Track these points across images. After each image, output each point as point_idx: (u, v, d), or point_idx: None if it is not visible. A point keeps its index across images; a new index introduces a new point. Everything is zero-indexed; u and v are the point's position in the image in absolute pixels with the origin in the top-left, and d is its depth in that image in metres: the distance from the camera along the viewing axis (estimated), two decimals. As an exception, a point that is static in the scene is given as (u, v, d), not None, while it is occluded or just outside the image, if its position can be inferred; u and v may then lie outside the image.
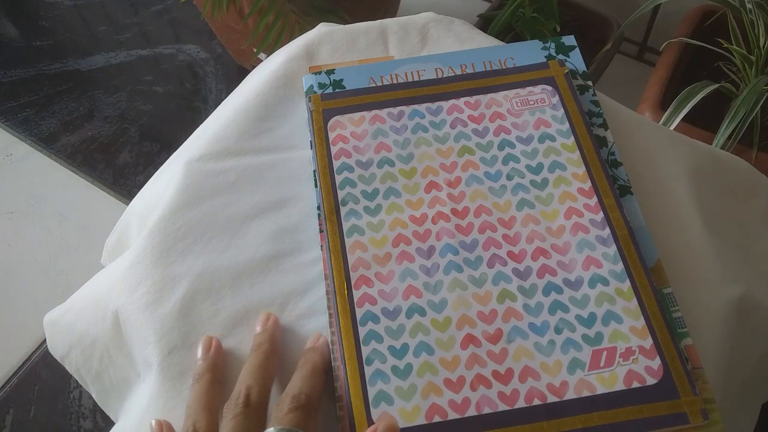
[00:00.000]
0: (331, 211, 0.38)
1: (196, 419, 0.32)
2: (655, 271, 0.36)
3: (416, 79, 0.44)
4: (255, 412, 0.32)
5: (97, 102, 1.20)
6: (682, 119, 0.71)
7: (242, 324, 0.37)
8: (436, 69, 0.44)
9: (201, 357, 0.35)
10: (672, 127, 0.70)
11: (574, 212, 0.38)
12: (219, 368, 0.35)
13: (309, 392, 0.32)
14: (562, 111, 0.41)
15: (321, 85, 0.43)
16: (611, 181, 0.39)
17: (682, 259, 0.38)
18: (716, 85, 0.71)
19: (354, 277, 0.36)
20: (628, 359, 0.33)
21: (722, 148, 0.69)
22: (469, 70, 0.44)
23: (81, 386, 0.43)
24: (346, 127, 0.41)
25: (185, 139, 0.47)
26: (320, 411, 0.33)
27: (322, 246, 0.38)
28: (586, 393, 0.33)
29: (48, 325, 0.44)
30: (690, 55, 0.86)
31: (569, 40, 0.45)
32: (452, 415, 0.32)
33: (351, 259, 0.37)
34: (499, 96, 0.42)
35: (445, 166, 0.40)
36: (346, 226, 0.38)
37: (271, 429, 0.30)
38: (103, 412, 0.44)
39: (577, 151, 0.40)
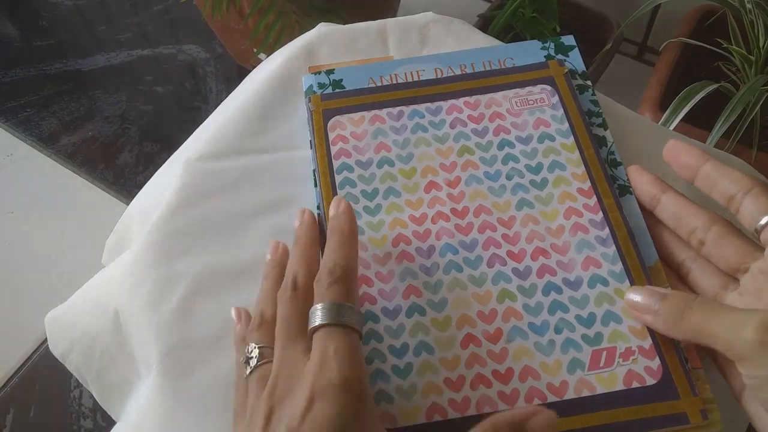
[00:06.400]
0: (331, 211, 0.38)
1: (264, 307, 0.35)
2: (654, 271, 0.36)
3: (416, 79, 0.44)
4: (303, 294, 0.33)
5: (98, 102, 1.20)
6: (681, 119, 0.71)
7: (242, 324, 0.37)
8: (435, 69, 0.44)
9: (270, 258, 0.38)
10: (672, 127, 0.70)
11: (573, 212, 0.38)
12: (285, 266, 0.37)
13: (343, 263, 0.33)
14: (561, 111, 0.41)
15: (321, 85, 0.44)
16: (611, 181, 0.39)
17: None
18: (716, 85, 0.71)
19: (354, 276, 0.36)
20: (628, 359, 0.33)
21: (720, 147, 0.69)
22: (469, 70, 0.44)
23: (81, 386, 0.43)
24: (345, 127, 0.41)
25: (185, 139, 0.47)
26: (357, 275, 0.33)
27: (322, 246, 0.38)
28: (585, 393, 0.33)
29: (49, 324, 0.44)
30: (690, 55, 0.86)
31: (569, 39, 0.45)
32: (452, 415, 0.32)
33: (351, 259, 0.37)
34: (499, 96, 0.42)
35: (444, 166, 0.40)
36: (346, 225, 0.38)
37: (316, 305, 0.31)
38: (104, 411, 0.44)
39: (577, 151, 0.40)
